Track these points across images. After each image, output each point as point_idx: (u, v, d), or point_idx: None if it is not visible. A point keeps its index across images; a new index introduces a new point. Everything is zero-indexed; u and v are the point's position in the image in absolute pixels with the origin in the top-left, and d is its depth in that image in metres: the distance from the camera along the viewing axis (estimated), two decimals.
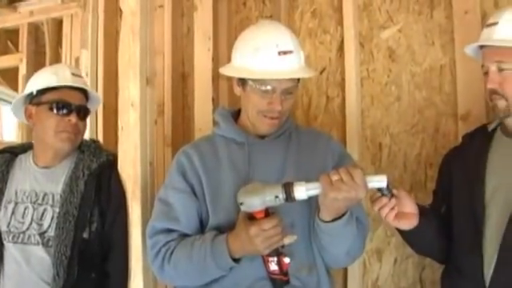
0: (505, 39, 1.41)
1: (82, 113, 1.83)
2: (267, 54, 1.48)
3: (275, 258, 1.39)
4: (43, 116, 1.78)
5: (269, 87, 1.49)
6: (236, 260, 1.42)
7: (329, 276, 1.57)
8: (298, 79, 1.56)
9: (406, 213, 1.41)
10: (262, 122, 1.55)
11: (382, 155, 2.18)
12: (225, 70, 1.62)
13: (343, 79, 2.21)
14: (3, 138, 5.06)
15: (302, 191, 1.32)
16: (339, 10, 2.23)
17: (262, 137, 1.60)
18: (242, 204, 1.35)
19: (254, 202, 1.34)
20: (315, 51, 2.32)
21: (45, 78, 1.82)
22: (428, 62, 2.09)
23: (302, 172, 1.51)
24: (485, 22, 1.92)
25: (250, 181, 1.48)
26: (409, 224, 1.43)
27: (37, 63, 3.97)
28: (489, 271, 1.39)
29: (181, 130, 2.55)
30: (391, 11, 2.16)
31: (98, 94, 1.98)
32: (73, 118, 1.78)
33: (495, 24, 1.44)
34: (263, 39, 1.52)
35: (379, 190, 1.36)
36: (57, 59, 3.99)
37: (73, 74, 1.83)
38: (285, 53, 1.48)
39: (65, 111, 1.78)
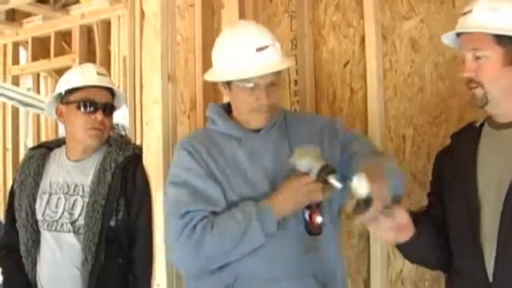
0: (476, 26, 1.38)
1: (108, 110, 1.95)
2: (246, 52, 1.54)
3: (308, 212, 1.51)
4: (72, 114, 1.92)
5: (252, 84, 1.55)
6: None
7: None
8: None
9: (399, 224, 1.40)
10: (255, 118, 1.62)
11: (405, 146, 2.17)
12: (208, 76, 1.68)
13: (366, 71, 2.22)
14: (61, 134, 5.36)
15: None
16: (361, 2, 2.23)
17: (257, 130, 1.65)
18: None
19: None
20: (339, 44, 2.33)
21: (72, 79, 1.95)
22: (451, 52, 2.06)
23: None
24: None
25: (248, 175, 1.57)
26: (407, 235, 1.43)
27: (88, 63, 4.18)
28: (490, 268, 1.35)
29: None
30: (413, 2, 2.14)
31: (122, 92, 2.10)
32: (99, 116, 1.91)
33: (469, 12, 1.41)
34: (240, 39, 1.58)
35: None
36: (107, 59, 4.20)
37: (98, 74, 1.95)
38: (262, 48, 1.54)
39: (91, 109, 1.90)
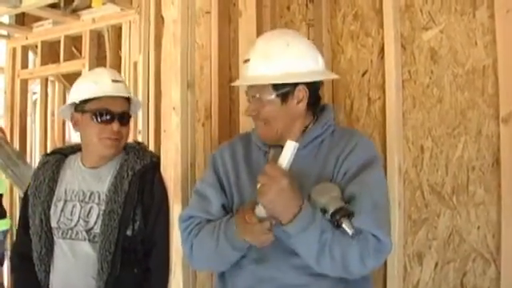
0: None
1: (125, 119, 1.93)
2: (241, 65, 1.67)
3: None
4: (87, 123, 1.88)
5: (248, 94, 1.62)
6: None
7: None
8: (278, 85, 1.56)
9: None
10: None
11: (423, 157, 2.15)
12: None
13: (385, 81, 2.20)
14: (71, 139, 5.35)
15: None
16: (380, 12, 2.21)
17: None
18: None
19: None
20: (357, 54, 2.32)
21: (86, 88, 1.89)
22: (471, 63, 2.05)
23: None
24: None
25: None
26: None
27: (103, 68, 4.17)
28: None
29: (227, 132, 2.61)
30: (433, 12, 2.13)
31: (138, 99, 2.07)
32: (115, 126, 1.87)
33: None
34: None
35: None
36: (117, 64, 4.20)
37: (113, 81, 1.90)
38: (245, 61, 1.59)
39: (107, 118, 1.87)
